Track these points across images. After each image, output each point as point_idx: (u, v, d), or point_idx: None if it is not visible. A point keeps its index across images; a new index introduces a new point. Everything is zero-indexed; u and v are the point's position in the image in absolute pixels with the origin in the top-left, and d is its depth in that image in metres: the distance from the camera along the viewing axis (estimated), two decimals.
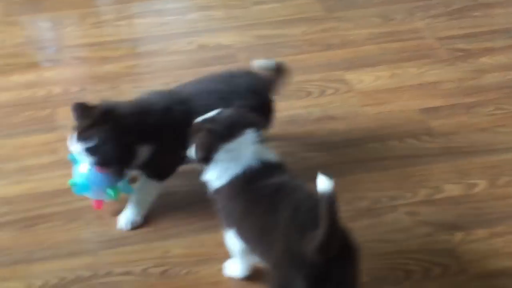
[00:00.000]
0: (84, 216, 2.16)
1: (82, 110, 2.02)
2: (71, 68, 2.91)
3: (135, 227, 2.11)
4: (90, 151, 1.99)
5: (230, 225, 1.82)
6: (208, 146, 1.79)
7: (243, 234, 1.79)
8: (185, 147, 1.86)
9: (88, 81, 2.81)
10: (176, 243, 2.07)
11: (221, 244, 2.03)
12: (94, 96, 2.65)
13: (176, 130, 1.99)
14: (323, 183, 1.54)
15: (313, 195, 1.61)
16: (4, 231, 2.12)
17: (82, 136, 1.99)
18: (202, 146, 1.80)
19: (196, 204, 2.16)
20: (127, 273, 1.98)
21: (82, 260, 2.02)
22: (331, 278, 1.61)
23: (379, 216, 2.14)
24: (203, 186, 1.87)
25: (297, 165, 2.30)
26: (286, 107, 2.55)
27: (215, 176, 1.81)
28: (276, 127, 2.33)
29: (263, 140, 1.82)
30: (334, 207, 1.54)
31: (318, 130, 2.48)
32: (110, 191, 2.06)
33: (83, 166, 2.05)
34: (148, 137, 2.03)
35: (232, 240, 1.84)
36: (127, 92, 2.70)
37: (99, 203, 2.12)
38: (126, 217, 2.12)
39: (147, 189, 2.14)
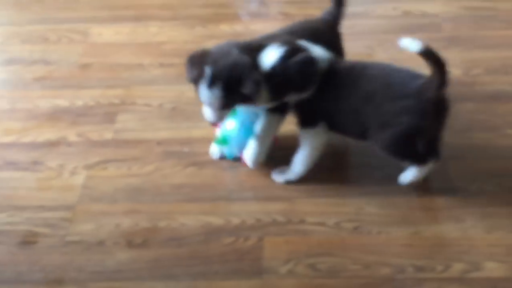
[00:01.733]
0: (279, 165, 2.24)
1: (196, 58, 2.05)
2: (277, 23, 2.97)
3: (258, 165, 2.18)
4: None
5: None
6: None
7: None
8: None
9: None
10: (370, 202, 2.10)
11: (414, 209, 2.05)
12: None
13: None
14: (410, 43, 1.88)
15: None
16: (209, 169, 2.25)
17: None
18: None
19: (394, 166, 2.18)
20: (320, 224, 2.04)
21: (278, 206, 2.11)
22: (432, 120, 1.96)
23: None
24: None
25: (499, 141, 2.27)
26: (491, 81, 2.50)
27: None
28: (478, 101, 2.30)
29: None
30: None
31: None
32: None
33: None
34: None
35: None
36: None
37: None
38: (249, 155, 2.17)
39: (269, 125, 2.15)
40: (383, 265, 1.91)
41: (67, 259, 1.98)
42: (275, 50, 1.98)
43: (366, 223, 2.04)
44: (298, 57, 1.98)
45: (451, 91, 2.30)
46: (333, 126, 2.08)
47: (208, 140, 2.29)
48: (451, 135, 2.23)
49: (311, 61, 1.99)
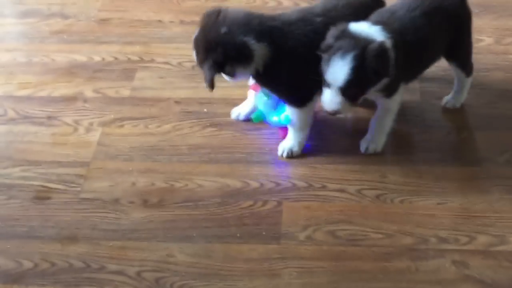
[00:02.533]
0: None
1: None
2: None
3: (293, 156, 2.09)
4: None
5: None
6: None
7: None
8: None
9: None
10: (394, 170, 2.04)
11: (439, 179, 1.99)
12: None
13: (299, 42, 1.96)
14: None
15: None
16: (228, 131, 2.19)
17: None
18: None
19: (419, 135, 2.12)
20: (341, 190, 1.99)
21: (298, 170, 2.05)
22: None
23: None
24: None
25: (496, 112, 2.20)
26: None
27: None
28: (509, 71, 2.21)
29: None
30: None
31: None
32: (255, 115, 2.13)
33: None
34: (264, 37, 1.95)
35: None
36: None
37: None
38: (283, 146, 2.10)
39: (295, 119, 2.06)
40: (405, 234, 1.86)
41: (81, 216, 1.94)
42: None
43: (389, 191, 1.98)
44: (370, 54, 1.84)
45: (481, 59, 2.25)
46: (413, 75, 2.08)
47: (229, 101, 2.24)
48: (479, 105, 2.17)
49: (384, 52, 1.86)
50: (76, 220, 1.93)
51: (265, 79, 2.01)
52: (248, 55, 1.94)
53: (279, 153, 2.10)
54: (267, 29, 1.96)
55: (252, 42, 1.93)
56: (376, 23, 1.92)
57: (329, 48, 1.87)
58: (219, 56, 1.92)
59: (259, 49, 1.94)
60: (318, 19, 1.99)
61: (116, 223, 1.92)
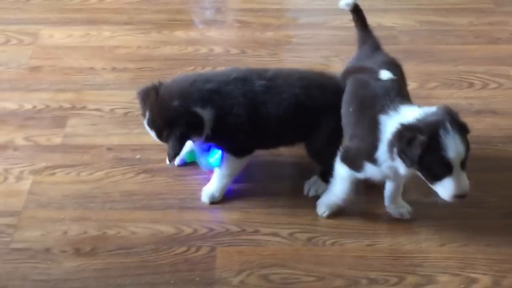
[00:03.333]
0: None
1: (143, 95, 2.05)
2: (233, 31, 2.96)
3: (215, 202, 2.11)
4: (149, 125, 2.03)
5: None
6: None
7: None
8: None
9: (248, 45, 2.84)
10: None
11: (370, 219, 2.04)
12: (253, 61, 2.72)
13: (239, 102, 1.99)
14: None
15: None
16: (161, 177, 2.20)
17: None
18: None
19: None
20: (274, 234, 2.01)
21: (231, 215, 2.07)
22: None
23: None
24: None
25: None
26: (446, 95, 2.51)
27: None
28: None
29: None
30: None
31: (478, 122, 2.40)
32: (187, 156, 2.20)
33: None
34: (206, 102, 1.99)
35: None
36: (286, 61, 2.74)
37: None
38: (206, 191, 2.12)
39: (227, 165, 2.10)
40: (337, 276, 1.89)
41: (11, 267, 1.90)
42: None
43: (321, 233, 2.01)
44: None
45: None
46: None
47: (162, 147, 2.23)
48: None
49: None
50: (6, 271, 1.89)
51: (212, 139, 2.04)
52: (201, 123, 1.98)
53: (202, 198, 2.11)
54: (207, 93, 1.99)
55: (200, 110, 1.97)
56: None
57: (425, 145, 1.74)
58: (183, 127, 1.96)
59: (206, 115, 1.98)
60: (260, 82, 2.03)
61: (47, 273, 1.89)
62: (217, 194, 2.11)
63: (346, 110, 1.97)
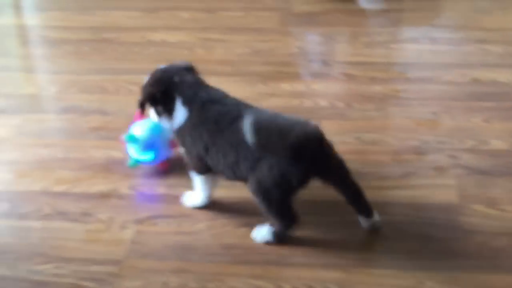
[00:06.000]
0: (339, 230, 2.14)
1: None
2: (339, 84, 2.93)
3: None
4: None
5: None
6: None
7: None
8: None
9: (355, 99, 2.80)
10: (431, 276, 1.97)
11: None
12: (360, 115, 2.67)
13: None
14: None
15: None
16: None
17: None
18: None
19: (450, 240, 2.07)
20: None
21: (331, 274, 2.00)
22: None
23: None
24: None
25: None
26: None
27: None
28: None
29: None
30: None
31: None
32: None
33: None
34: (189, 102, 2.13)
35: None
36: (393, 116, 2.68)
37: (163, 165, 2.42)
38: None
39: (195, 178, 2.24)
40: None
41: None
42: None
43: None
44: None
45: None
46: None
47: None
48: None
49: None
50: None
51: (177, 138, 2.19)
52: (171, 110, 2.15)
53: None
54: (197, 98, 2.13)
55: (179, 102, 2.13)
56: None
57: None
58: (157, 91, 2.15)
59: (179, 110, 2.13)
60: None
61: None
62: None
63: None
